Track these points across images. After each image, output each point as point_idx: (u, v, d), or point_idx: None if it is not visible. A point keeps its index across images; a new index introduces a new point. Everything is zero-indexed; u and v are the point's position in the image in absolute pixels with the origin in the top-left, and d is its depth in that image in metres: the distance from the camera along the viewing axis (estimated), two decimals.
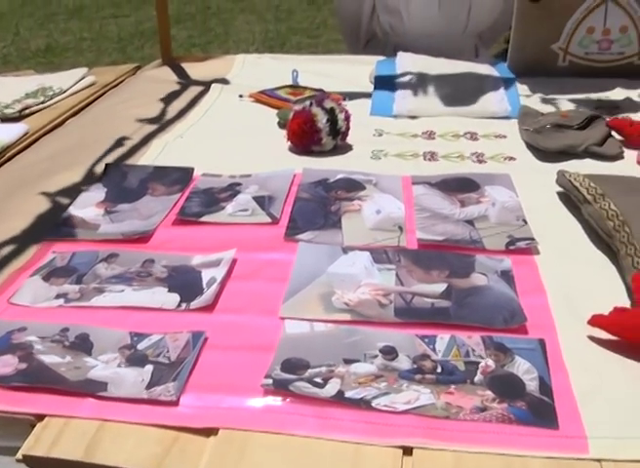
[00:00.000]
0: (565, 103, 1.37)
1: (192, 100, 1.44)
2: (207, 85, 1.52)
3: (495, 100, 1.35)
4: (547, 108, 1.35)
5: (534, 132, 1.22)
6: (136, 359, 0.70)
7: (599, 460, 0.59)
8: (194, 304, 0.78)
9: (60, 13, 4.76)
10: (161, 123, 1.32)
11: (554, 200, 1.02)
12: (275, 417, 0.63)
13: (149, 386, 0.66)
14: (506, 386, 0.66)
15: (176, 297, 0.80)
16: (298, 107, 1.18)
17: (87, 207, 1.01)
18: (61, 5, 4.90)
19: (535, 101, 1.38)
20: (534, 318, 0.75)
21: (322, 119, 1.15)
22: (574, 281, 0.83)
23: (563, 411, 0.64)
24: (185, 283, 0.82)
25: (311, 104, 1.17)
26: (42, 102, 1.45)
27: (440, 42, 1.68)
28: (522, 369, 0.68)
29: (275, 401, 0.64)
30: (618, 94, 1.41)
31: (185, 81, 1.57)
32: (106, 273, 0.85)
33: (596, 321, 0.73)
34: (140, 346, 0.72)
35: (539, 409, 0.64)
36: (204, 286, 0.81)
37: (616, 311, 0.74)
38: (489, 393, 0.65)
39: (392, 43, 1.78)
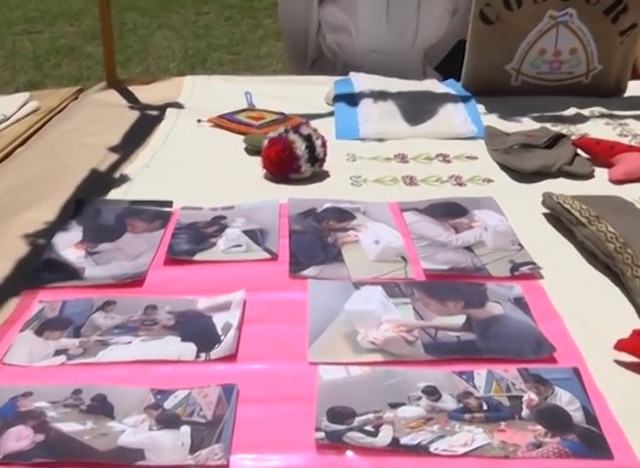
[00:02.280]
0: (523, 120, 1.41)
1: (149, 126, 1.37)
2: (161, 109, 1.46)
3: (459, 122, 1.37)
4: (507, 126, 1.38)
5: (503, 152, 1.24)
6: (167, 420, 0.65)
7: None
8: (215, 354, 0.74)
9: None
10: (122, 152, 1.26)
11: (542, 222, 1.03)
12: None
13: (192, 450, 0.61)
14: (554, 419, 0.66)
15: (192, 347, 0.75)
16: (273, 134, 1.15)
17: (66, 248, 0.94)
18: None
19: (493, 120, 1.41)
20: (558, 345, 0.76)
21: (300, 146, 1.13)
22: (584, 304, 0.84)
23: (612, 440, 0.64)
24: (198, 330, 0.78)
25: (287, 131, 1.15)
26: None
27: (389, 58, 1.70)
28: (564, 400, 0.68)
29: (332, 454, 0.61)
30: (570, 110, 1.46)
31: (137, 105, 1.50)
32: (106, 323, 0.80)
33: (622, 346, 0.74)
34: (168, 405, 0.67)
35: (590, 441, 0.64)
36: (219, 332, 0.77)
37: (637, 334, 0.75)
38: (539, 428, 0.65)
39: (341, 61, 1.78)
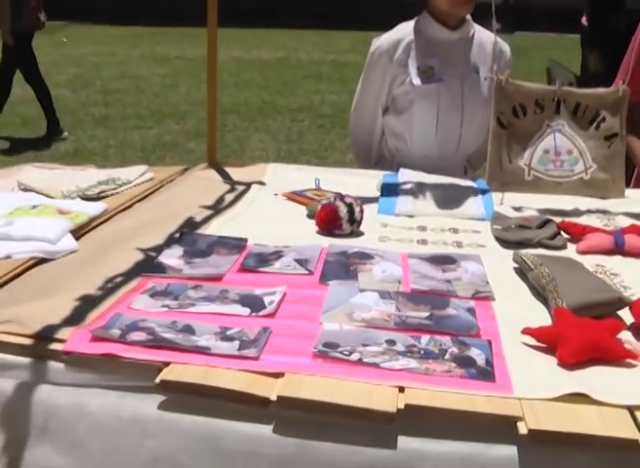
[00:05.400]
0: (527, 211, 1.90)
1: (238, 195, 1.96)
2: (247, 185, 2.05)
3: (474, 207, 1.88)
4: (515, 214, 1.87)
5: (502, 230, 1.73)
6: (227, 338, 1.17)
7: (519, 399, 1.05)
8: (261, 313, 1.26)
9: (87, 121, 5.47)
10: (216, 209, 1.84)
11: (510, 272, 1.51)
12: (320, 369, 1.09)
13: (239, 349, 1.12)
14: (464, 361, 1.13)
15: (247, 309, 1.28)
16: (325, 201, 1.70)
17: (171, 258, 1.50)
18: (89, 114, 5.61)
19: (505, 209, 1.91)
20: (486, 332, 1.23)
21: (343, 210, 1.67)
22: (518, 317, 1.30)
23: (499, 374, 1.10)
24: (253, 302, 1.30)
25: (335, 199, 1.69)
26: (114, 189, 1.98)
27: (436, 162, 2.25)
28: (475, 353, 1.15)
29: (319, 360, 1.11)
30: (569, 206, 1.94)
31: (229, 181, 2.10)
32: (195, 295, 1.33)
33: (527, 331, 1.21)
34: (228, 333, 1.19)
35: (483, 372, 1.11)
36: (266, 304, 1.29)
37: (540, 327, 1.22)
38: (453, 364, 1.12)
39: (397, 162, 2.34)
